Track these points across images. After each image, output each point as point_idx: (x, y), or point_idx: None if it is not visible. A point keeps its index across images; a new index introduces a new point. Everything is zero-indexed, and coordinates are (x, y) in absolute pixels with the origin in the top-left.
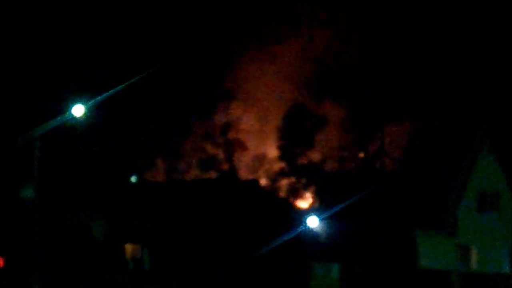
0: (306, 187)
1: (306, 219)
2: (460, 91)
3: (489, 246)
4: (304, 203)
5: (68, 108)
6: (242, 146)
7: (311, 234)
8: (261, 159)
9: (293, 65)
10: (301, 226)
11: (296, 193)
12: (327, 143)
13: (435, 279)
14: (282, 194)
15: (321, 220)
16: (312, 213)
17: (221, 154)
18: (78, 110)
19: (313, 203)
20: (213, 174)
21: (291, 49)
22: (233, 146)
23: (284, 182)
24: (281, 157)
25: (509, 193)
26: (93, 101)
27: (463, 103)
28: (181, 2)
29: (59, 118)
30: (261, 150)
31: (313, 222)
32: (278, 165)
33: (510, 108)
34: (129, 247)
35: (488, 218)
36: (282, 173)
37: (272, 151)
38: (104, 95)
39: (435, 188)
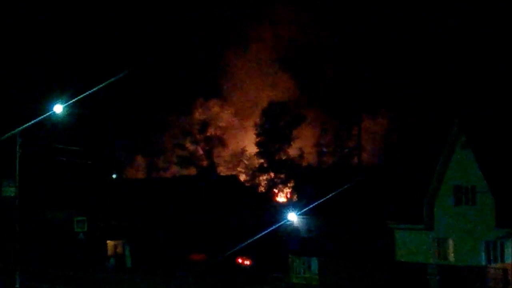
0: (285, 183)
1: (285, 213)
2: (436, 86)
3: (465, 239)
4: (283, 198)
5: (48, 107)
6: (221, 143)
7: (290, 229)
8: (240, 155)
9: (271, 63)
10: (281, 221)
11: (275, 188)
12: (304, 139)
13: (413, 272)
14: (261, 189)
15: (300, 214)
16: (291, 208)
17: (200, 151)
18: (57, 108)
19: (292, 198)
20: (192, 171)
21: (270, 48)
22: (212, 143)
23: (263, 178)
24: (260, 153)
25: (484, 187)
26: (73, 100)
27: (438, 98)
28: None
29: (39, 116)
30: (239, 146)
31: (292, 216)
32: (257, 161)
33: (485, 102)
34: (110, 243)
35: (464, 212)
36: (261, 169)
37: (251, 148)
38: (84, 94)
39: (412, 182)
